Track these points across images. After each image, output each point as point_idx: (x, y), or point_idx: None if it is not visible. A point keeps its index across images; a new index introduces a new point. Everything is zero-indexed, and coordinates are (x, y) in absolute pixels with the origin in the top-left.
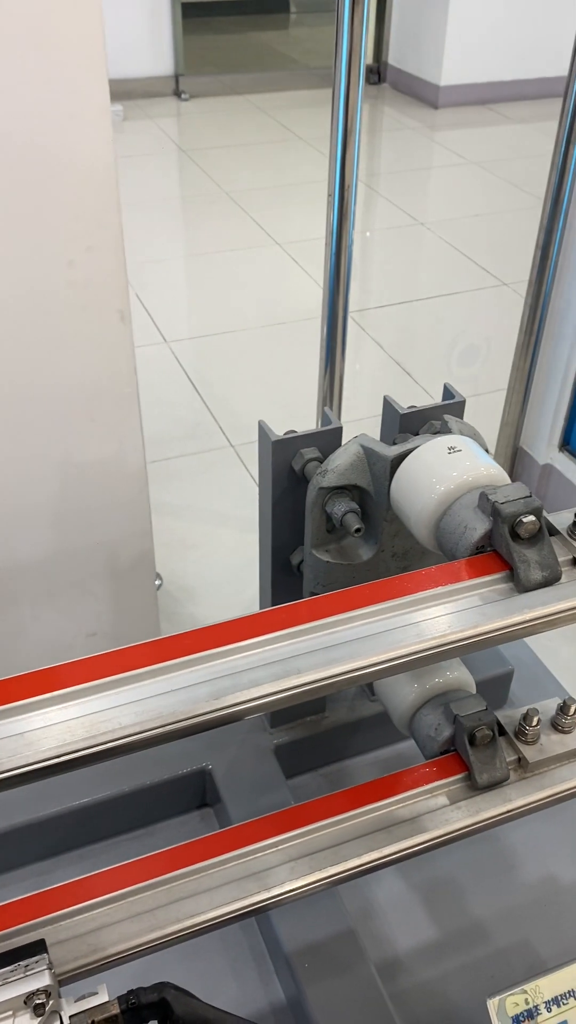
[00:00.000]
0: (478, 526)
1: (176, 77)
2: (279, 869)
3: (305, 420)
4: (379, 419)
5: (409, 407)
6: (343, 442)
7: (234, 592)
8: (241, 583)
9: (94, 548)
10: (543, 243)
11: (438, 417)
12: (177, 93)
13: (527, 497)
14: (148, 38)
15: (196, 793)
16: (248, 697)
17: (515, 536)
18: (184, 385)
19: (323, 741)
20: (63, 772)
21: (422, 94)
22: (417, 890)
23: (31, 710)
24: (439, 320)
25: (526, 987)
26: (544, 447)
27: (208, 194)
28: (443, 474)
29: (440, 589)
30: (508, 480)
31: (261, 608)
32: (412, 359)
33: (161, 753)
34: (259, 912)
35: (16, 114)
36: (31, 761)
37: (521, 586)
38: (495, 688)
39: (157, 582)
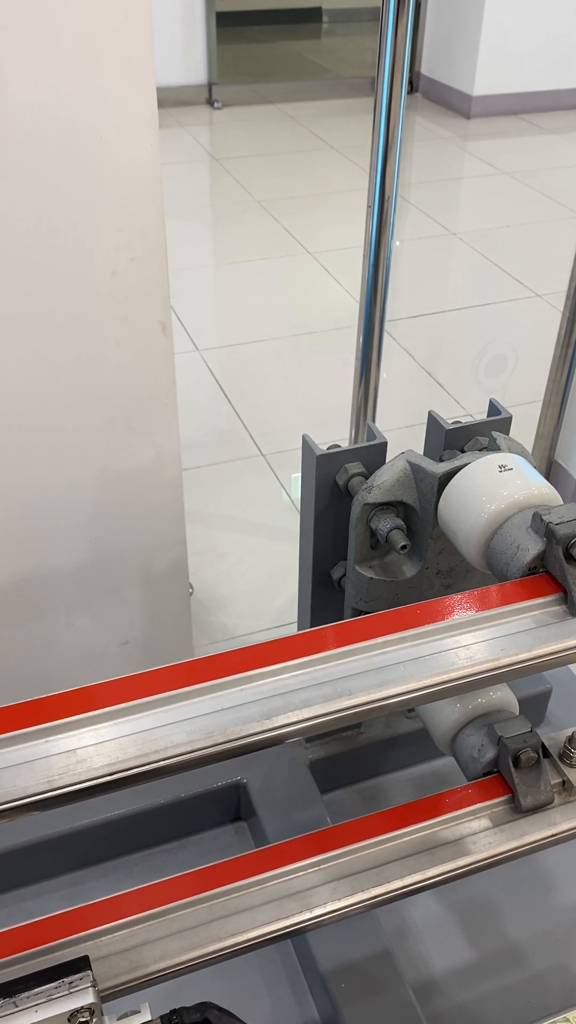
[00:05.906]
0: (531, 547)
1: (209, 86)
2: (321, 889)
3: (336, 428)
4: (412, 429)
5: (454, 422)
6: (387, 457)
7: (265, 601)
8: (272, 593)
9: (129, 556)
10: None
11: (485, 433)
12: (210, 102)
13: None
14: (182, 47)
15: (230, 807)
16: (299, 718)
17: (569, 557)
18: (215, 393)
19: (359, 757)
20: (115, 790)
21: (454, 104)
22: (453, 911)
23: (82, 726)
24: (471, 331)
25: (568, 1015)
26: None
27: (239, 202)
28: (494, 493)
29: (492, 611)
30: (560, 500)
31: (299, 621)
32: (443, 369)
33: None
34: (301, 932)
35: (67, 126)
36: (84, 779)
37: (575, 608)
38: (533, 707)
39: (189, 590)
